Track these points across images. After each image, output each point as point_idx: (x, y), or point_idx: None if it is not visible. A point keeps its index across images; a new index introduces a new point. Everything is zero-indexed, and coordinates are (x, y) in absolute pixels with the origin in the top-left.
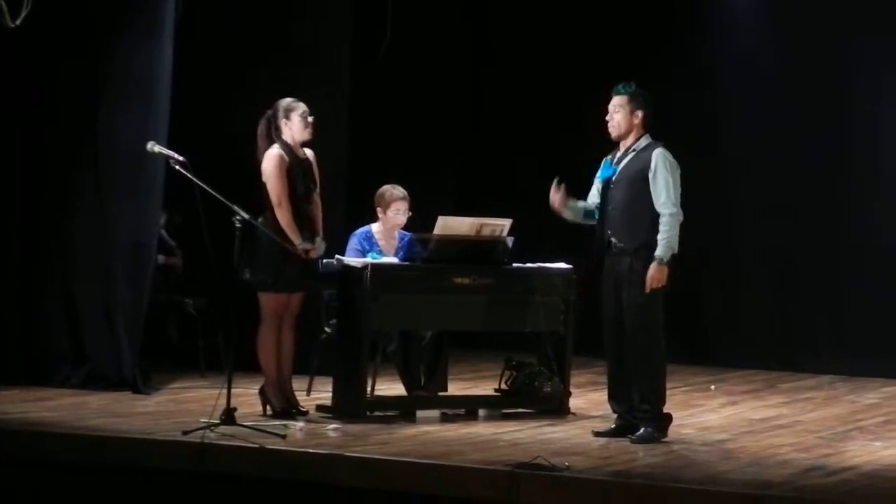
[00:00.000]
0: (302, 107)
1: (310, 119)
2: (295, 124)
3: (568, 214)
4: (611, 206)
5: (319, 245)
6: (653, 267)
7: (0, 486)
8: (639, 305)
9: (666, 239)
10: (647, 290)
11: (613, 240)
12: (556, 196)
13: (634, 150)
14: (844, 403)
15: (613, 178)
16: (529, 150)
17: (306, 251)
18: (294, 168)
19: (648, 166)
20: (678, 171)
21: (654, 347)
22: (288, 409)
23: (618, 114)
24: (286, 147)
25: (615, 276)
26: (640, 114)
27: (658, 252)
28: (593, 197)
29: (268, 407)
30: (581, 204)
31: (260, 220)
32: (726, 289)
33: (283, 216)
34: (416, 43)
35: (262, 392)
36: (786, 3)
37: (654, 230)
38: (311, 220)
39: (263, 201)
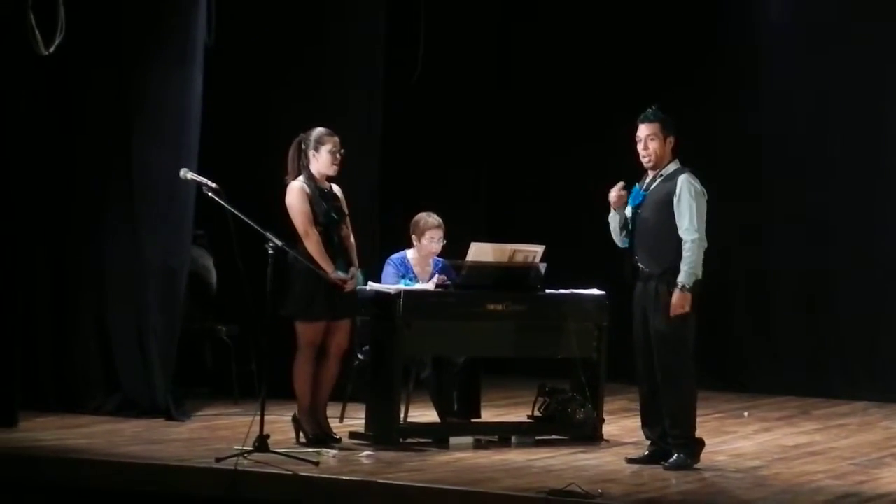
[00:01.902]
0: (333, 141)
1: (339, 155)
2: (322, 158)
3: (616, 219)
4: (639, 231)
5: (356, 275)
6: (675, 293)
7: None
8: (665, 331)
9: (688, 265)
10: (672, 316)
11: (641, 265)
12: (616, 193)
13: (662, 175)
14: (879, 430)
15: (642, 203)
16: (564, 175)
17: (342, 281)
18: (316, 198)
19: (674, 191)
20: (704, 198)
21: (683, 373)
22: (321, 436)
23: (654, 142)
24: (310, 178)
25: (644, 301)
26: (672, 139)
27: (680, 278)
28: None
29: (301, 434)
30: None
31: (295, 251)
32: (759, 315)
33: (312, 245)
34: (448, 67)
35: (295, 419)
36: (823, 22)
37: (680, 256)
38: (344, 249)
39: (293, 236)
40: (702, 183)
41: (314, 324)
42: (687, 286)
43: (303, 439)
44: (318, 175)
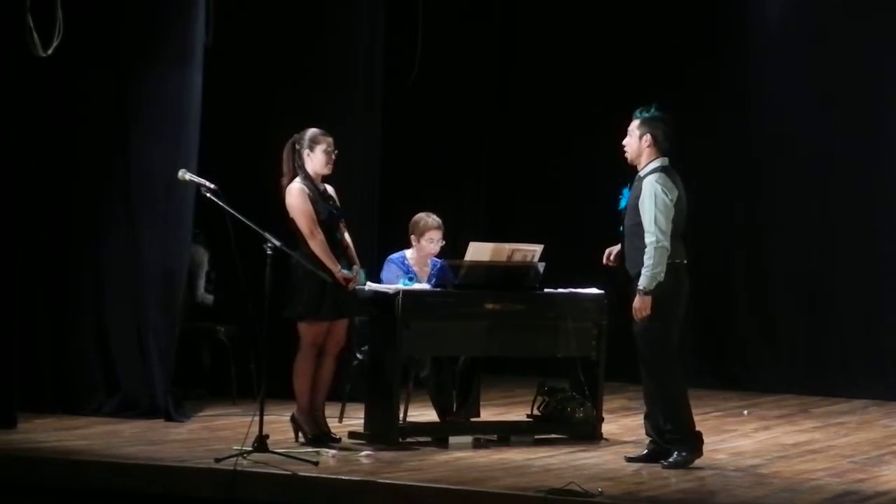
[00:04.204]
0: (327, 141)
1: (333, 155)
2: (317, 157)
3: None
4: (623, 233)
5: (358, 273)
6: (637, 298)
7: None
8: (641, 331)
9: (647, 269)
10: (637, 319)
11: (627, 266)
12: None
13: (640, 176)
14: (878, 428)
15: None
16: (563, 174)
17: (346, 280)
18: (316, 198)
19: (639, 194)
20: (668, 198)
21: (667, 371)
22: (320, 435)
23: (630, 137)
24: (307, 178)
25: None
26: (648, 138)
27: (641, 283)
28: None
29: (300, 434)
30: None
31: (296, 253)
32: (759, 313)
33: (318, 246)
34: (448, 67)
35: (293, 419)
36: (823, 21)
37: None
38: (344, 248)
39: (295, 237)
40: (677, 183)
41: (319, 324)
42: (647, 289)
43: (302, 439)
44: (314, 175)
